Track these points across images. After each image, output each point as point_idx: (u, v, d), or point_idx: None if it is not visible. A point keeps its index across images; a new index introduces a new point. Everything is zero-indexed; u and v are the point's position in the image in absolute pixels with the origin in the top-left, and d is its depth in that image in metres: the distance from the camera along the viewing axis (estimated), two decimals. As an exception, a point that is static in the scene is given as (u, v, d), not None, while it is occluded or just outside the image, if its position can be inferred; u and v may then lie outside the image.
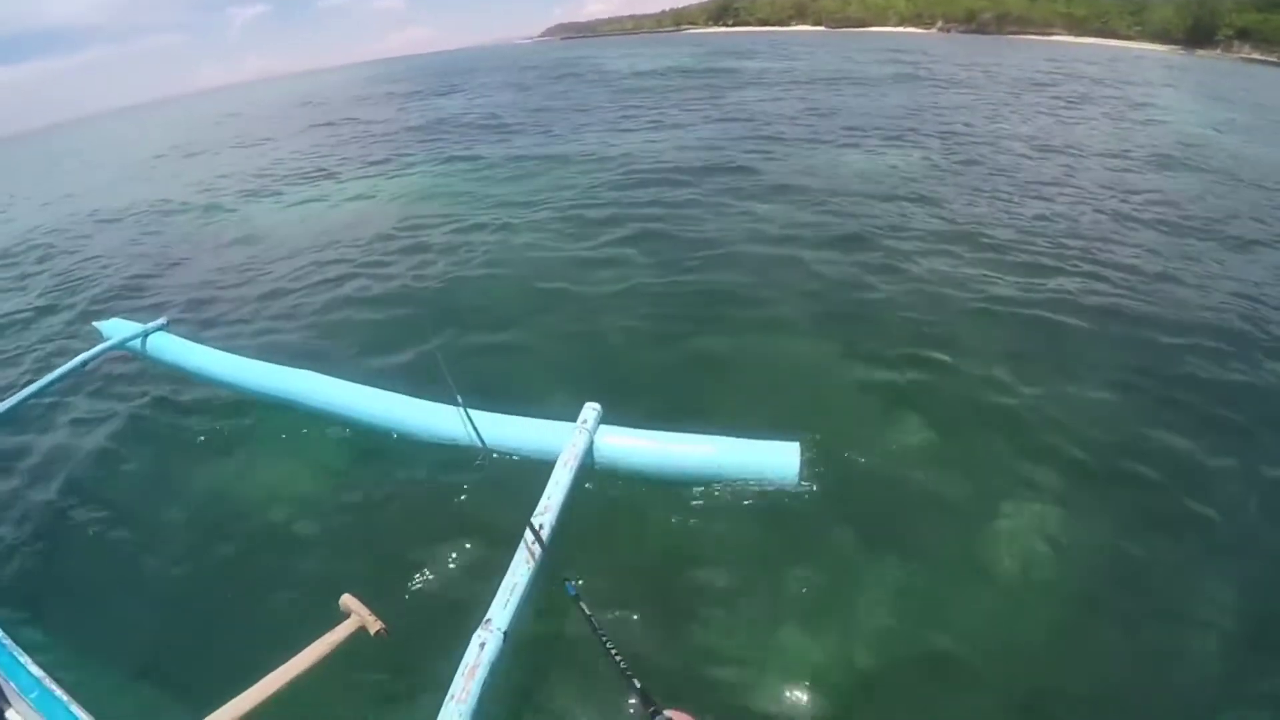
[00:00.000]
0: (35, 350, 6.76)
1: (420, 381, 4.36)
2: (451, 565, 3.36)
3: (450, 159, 13.49)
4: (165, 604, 3.46)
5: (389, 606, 2.77)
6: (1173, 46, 65.30)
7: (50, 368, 5.13)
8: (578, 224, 8.46)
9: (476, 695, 2.33)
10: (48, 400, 5.09)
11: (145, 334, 5.31)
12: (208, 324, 6.62)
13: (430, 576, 3.32)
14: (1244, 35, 64.58)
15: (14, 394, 4.61)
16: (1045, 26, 79.54)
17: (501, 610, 2.57)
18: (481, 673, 2.39)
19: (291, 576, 3.47)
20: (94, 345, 5.25)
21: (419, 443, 3.97)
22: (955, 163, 10.86)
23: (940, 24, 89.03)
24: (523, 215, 9.08)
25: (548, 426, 3.57)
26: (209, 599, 3.43)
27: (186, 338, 5.32)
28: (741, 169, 10.63)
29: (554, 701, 2.77)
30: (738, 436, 3.52)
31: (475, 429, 3.58)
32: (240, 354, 4.99)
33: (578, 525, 3.23)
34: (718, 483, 3.47)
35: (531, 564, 2.75)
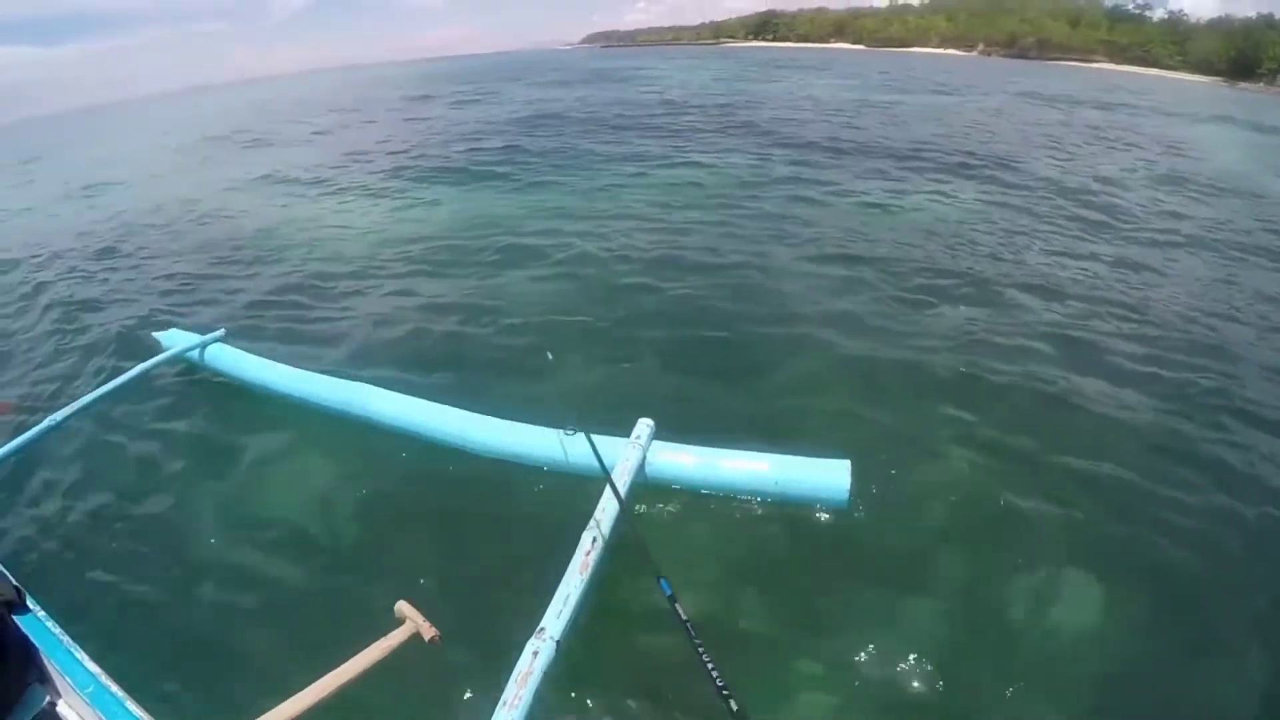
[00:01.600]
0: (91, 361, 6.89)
1: (470, 394, 4.41)
2: (506, 575, 3.38)
3: (518, 169, 13.43)
4: (220, 608, 3.50)
5: (444, 613, 2.78)
6: (1215, 78, 64.72)
7: (110, 376, 5.25)
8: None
9: (528, 703, 2.32)
10: (108, 407, 5.17)
11: (204, 345, 5.42)
12: (263, 332, 6.70)
13: (485, 586, 3.35)
14: None
15: (74, 401, 4.73)
16: (1087, 53, 79.19)
17: (555, 619, 2.56)
18: (534, 680, 2.38)
19: (347, 583, 3.50)
20: (153, 355, 5.37)
21: (474, 455, 4.00)
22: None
23: (981, 47, 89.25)
24: (600, 228, 9.12)
25: (602, 441, 3.55)
26: (264, 604, 3.47)
27: (244, 349, 5.40)
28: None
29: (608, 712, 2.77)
30: (789, 454, 3.49)
31: (532, 443, 3.64)
32: (298, 365, 5.06)
33: (630, 538, 3.23)
34: (768, 499, 3.45)
35: (585, 574, 2.74)
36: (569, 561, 2.81)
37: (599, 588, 2.83)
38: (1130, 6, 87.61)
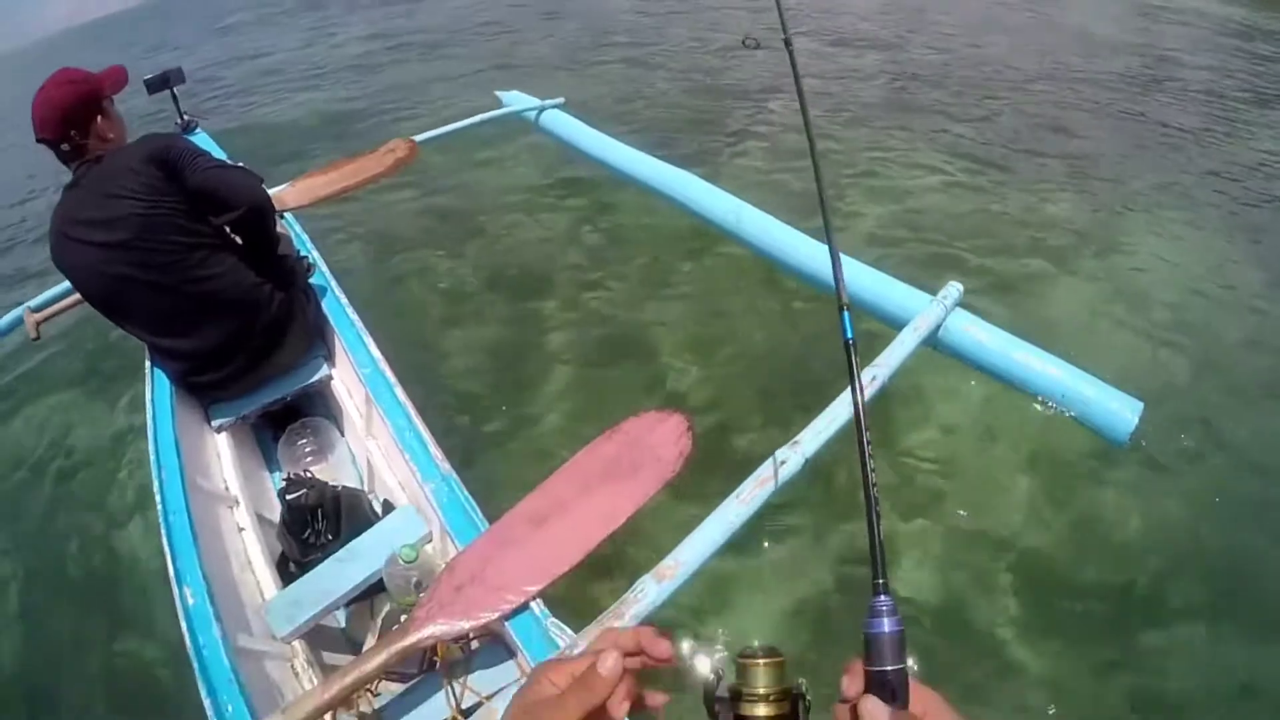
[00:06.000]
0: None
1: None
2: (776, 392, 3.41)
3: None
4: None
5: (708, 410, 2.79)
6: None
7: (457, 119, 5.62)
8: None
9: (759, 504, 2.24)
10: (448, 145, 5.58)
11: (541, 108, 5.64)
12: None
13: (754, 394, 3.45)
14: None
15: (420, 135, 5.08)
16: None
17: (812, 438, 2.41)
18: (770, 486, 2.27)
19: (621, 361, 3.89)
20: (495, 109, 5.66)
21: (784, 269, 3.97)
22: None
23: None
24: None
25: (907, 291, 3.29)
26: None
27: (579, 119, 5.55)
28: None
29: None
30: (1085, 370, 3.07)
31: (841, 272, 3.44)
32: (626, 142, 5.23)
33: (902, 389, 3.10)
34: (1048, 404, 3.08)
35: (853, 408, 2.53)
36: (842, 390, 2.62)
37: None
38: None
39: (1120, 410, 2.89)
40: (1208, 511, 3.01)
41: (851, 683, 0.71)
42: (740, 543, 2.64)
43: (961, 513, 3.04)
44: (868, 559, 0.79)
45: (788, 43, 2.41)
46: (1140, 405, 2.89)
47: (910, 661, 0.71)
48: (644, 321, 4.15)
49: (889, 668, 0.69)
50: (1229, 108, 6.45)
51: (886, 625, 0.70)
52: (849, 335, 1.25)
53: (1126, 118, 6.44)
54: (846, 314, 1.30)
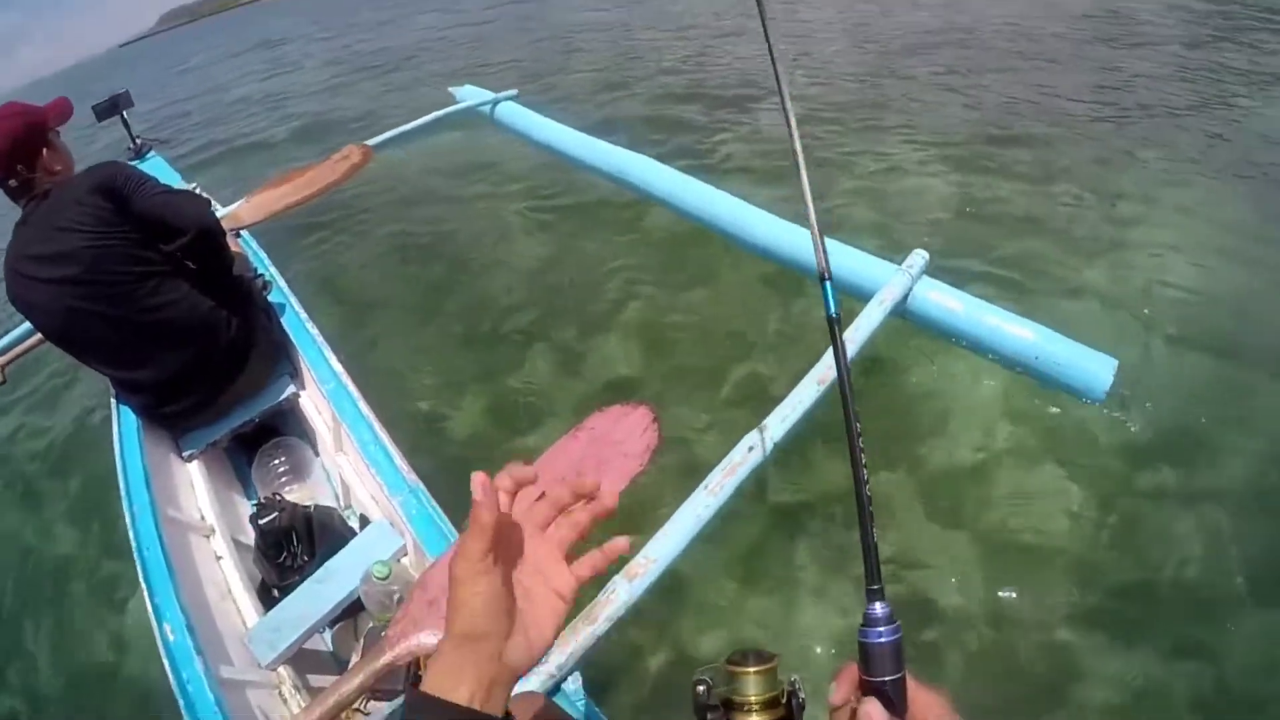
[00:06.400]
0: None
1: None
2: (744, 371, 3.49)
3: None
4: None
5: (677, 400, 2.80)
6: None
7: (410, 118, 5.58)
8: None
9: (729, 492, 2.25)
10: (403, 145, 5.57)
11: (496, 101, 5.63)
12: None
13: (722, 376, 3.48)
14: None
15: (373, 139, 5.06)
16: None
17: (779, 423, 2.42)
18: (741, 473, 2.29)
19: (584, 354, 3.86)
20: (449, 105, 5.62)
21: (745, 248, 4.01)
22: None
23: None
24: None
25: (871, 261, 3.30)
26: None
27: (533, 109, 5.54)
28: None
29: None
30: (1057, 331, 3.06)
31: (799, 247, 3.51)
32: (581, 130, 5.22)
33: (870, 367, 3.10)
34: (1021, 369, 3.08)
35: (823, 386, 2.54)
36: (808, 370, 2.62)
37: (826, 409, 2.63)
38: None
39: (1096, 370, 2.90)
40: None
41: (846, 689, 0.69)
42: (725, 538, 2.67)
43: (953, 504, 2.87)
44: (859, 555, 0.76)
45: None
46: (1114, 362, 2.90)
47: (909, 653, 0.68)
48: (609, 313, 4.11)
49: (888, 678, 0.67)
50: (1210, 78, 6.42)
51: (884, 634, 0.68)
52: (832, 310, 1.14)
53: (1102, 91, 6.42)
54: (829, 286, 1.20)
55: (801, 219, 3.58)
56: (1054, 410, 3.07)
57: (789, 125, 1.40)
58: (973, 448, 3.02)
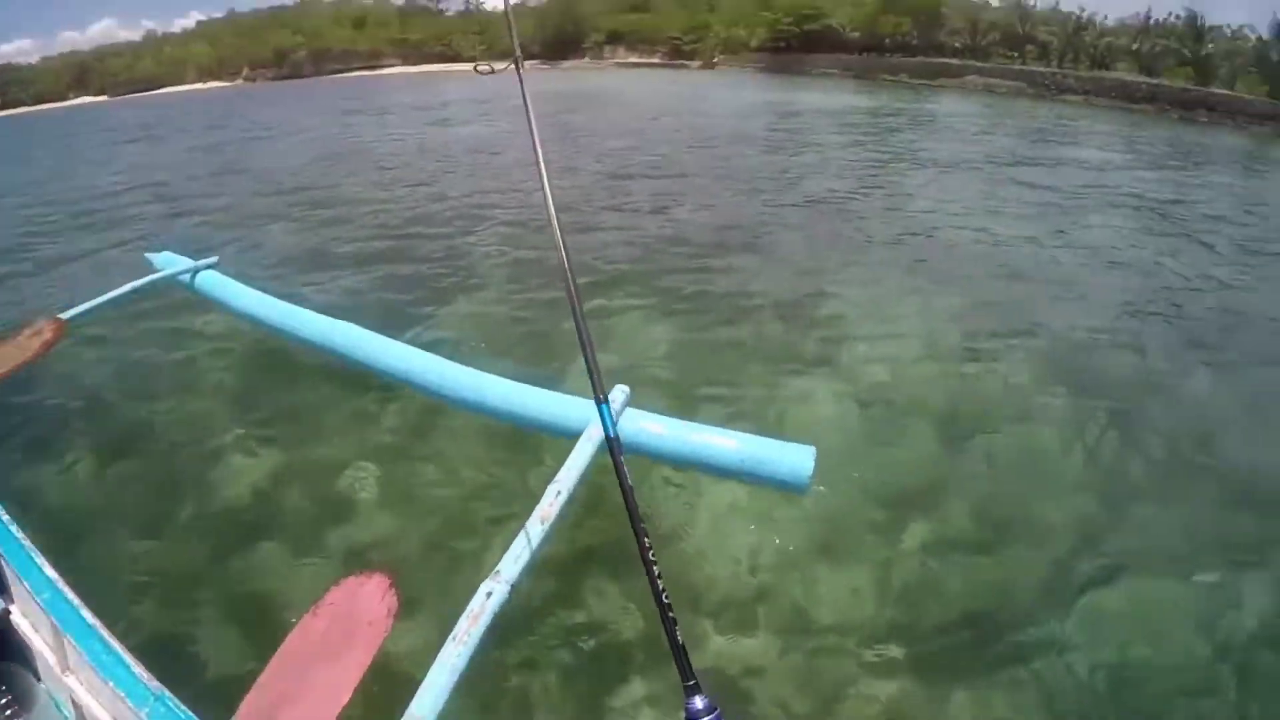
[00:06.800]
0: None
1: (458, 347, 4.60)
2: (469, 521, 3.65)
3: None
4: (179, 548, 3.79)
5: (409, 554, 2.95)
6: (535, 63, 61.56)
7: (101, 290, 5.28)
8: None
9: (476, 640, 2.40)
10: (98, 320, 5.26)
11: (195, 270, 5.49)
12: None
13: (448, 530, 3.61)
14: (615, 39, 64.51)
15: (66, 311, 4.75)
16: (375, 59, 71.51)
17: (512, 564, 2.64)
18: (484, 620, 2.45)
19: (316, 529, 3.80)
20: (146, 275, 5.44)
21: (451, 403, 4.14)
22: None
23: (246, 73, 76.07)
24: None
25: (573, 402, 3.65)
26: (225, 549, 3.75)
27: (236, 278, 5.47)
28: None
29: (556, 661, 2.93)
30: (758, 434, 3.56)
31: (503, 398, 3.77)
32: (287, 299, 5.17)
33: (590, 497, 3.41)
34: (733, 476, 3.54)
35: (546, 524, 2.81)
36: (531, 511, 2.89)
37: (556, 539, 2.94)
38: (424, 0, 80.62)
39: (798, 459, 3.34)
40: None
41: None
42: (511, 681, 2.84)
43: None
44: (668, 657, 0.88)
45: (518, 62, 2.69)
46: (812, 449, 3.37)
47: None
48: (329, 481, 4.13)
49: None
50: (874, 179, 7.68)
51: None
52: (610, 430, 1.16)
53: (782, 209, 7.44)
54: (605, 407, 1.23)
55: (524, 378, 3.93)
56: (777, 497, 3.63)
57: (570, 294, 1.61)
58: (718, 551, 3.56)
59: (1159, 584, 3.50)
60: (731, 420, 4.25)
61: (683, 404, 4.40)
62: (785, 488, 3.43)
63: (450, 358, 4.24)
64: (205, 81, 75.06)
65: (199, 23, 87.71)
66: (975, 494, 3.99)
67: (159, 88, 73.31)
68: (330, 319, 4.72)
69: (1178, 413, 4.85)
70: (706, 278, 6.57)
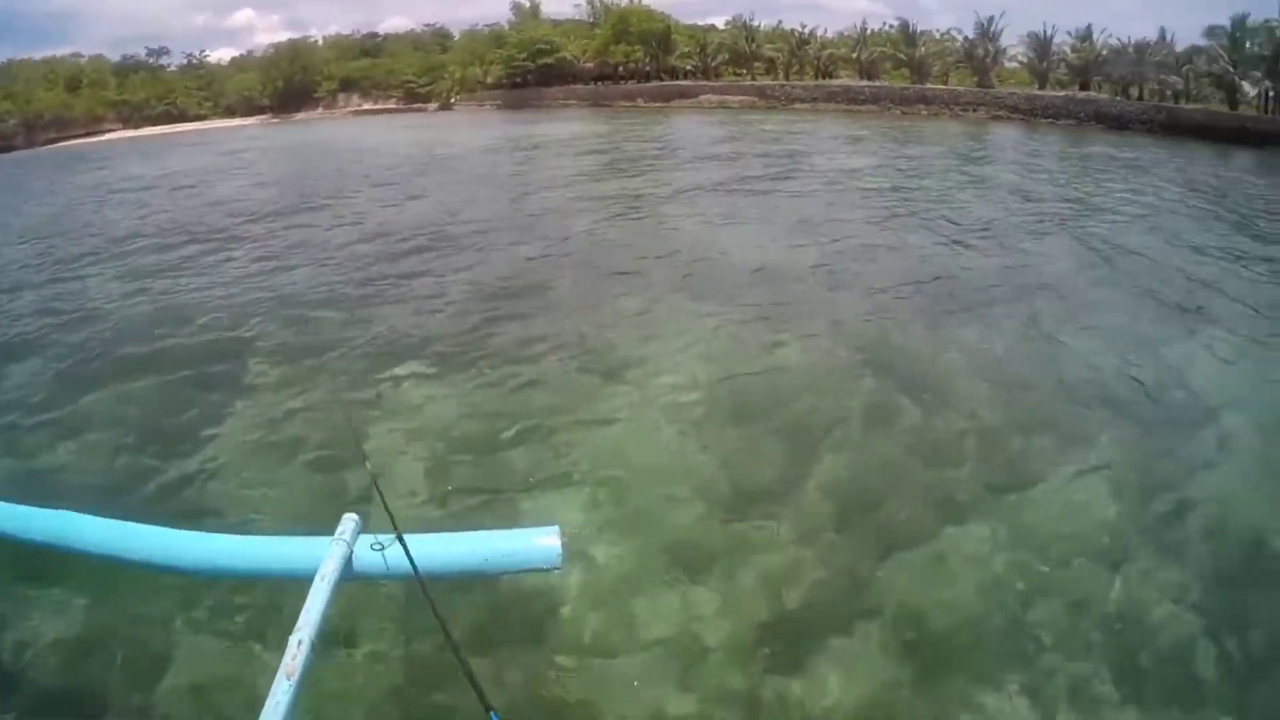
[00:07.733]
0: None
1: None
2: (212, 695, 3.37)
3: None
4: None
5: None
6: (265, 117, 65.52)
7: None
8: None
9: None
10: None
11: None
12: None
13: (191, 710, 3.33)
14: (349, 86, 67.01)
15: None
16: (94, 124, 66.83)
17: (264, 729, 2.53)
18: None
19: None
20: None
21: (177, 572, 3.85)
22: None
23: None
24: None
25: (303, 543, 3.54)
26: None
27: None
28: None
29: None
30: (500, 528, 3.63)
31: (226, 555, 3.55)
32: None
33: (342, 633, 3.31)
34: (486, 576, 3.56)
35: (293, 680, 2.73)
36: (277, 668, 2.79)
37: (311, 688, 2.84)
38: (143, 55, 76.54)
39: (543, 541, 3.44)
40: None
41: None
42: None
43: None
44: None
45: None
46: (556, 528, 3.48)
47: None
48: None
49: None
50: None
51: None
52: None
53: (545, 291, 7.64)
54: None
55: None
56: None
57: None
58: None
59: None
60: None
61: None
62: (541, 570, 3.52)
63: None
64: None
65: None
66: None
67: None
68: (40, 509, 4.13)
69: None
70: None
